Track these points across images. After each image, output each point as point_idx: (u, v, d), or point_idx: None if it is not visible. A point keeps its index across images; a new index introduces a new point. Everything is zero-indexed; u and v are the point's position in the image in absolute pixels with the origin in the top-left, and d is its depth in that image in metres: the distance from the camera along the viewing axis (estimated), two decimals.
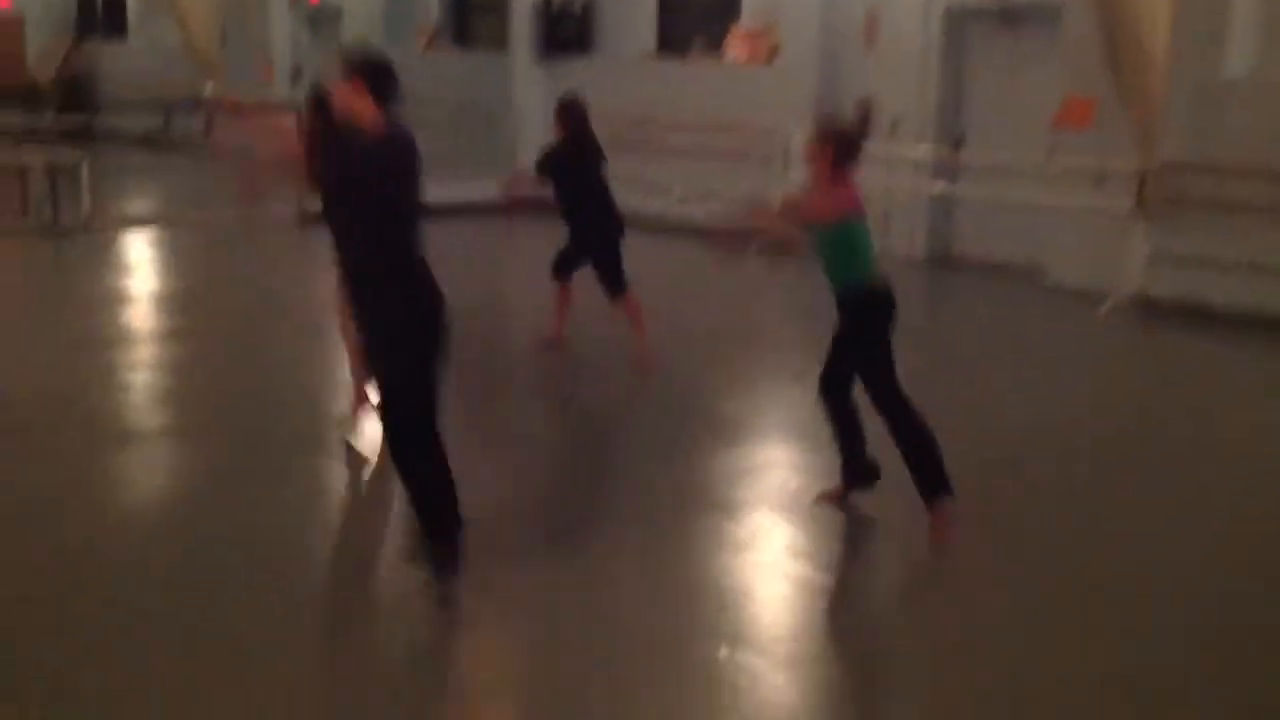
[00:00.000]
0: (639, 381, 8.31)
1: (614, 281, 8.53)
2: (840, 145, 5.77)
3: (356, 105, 4.75)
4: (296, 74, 20.68)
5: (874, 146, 12.42)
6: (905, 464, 5.70)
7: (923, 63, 12.51)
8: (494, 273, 9.76)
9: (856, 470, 5.97)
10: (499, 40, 18.04)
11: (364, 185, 4.78)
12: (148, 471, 6.49)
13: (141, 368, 8.24)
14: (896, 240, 12.78)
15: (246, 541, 5.45)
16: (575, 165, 8.44)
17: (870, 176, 12.55)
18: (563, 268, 8.85)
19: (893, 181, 12.64)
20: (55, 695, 4.19)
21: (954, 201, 12.70)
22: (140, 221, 14.23)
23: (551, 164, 8.48)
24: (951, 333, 10.46)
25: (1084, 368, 9.14)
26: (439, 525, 5.01)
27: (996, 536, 5.79)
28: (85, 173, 13.37)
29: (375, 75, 4.78)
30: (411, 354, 4.84)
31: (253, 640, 4.59)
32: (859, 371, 5.80)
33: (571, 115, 8.44)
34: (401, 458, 4.96)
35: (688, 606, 5.01)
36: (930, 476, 5.65)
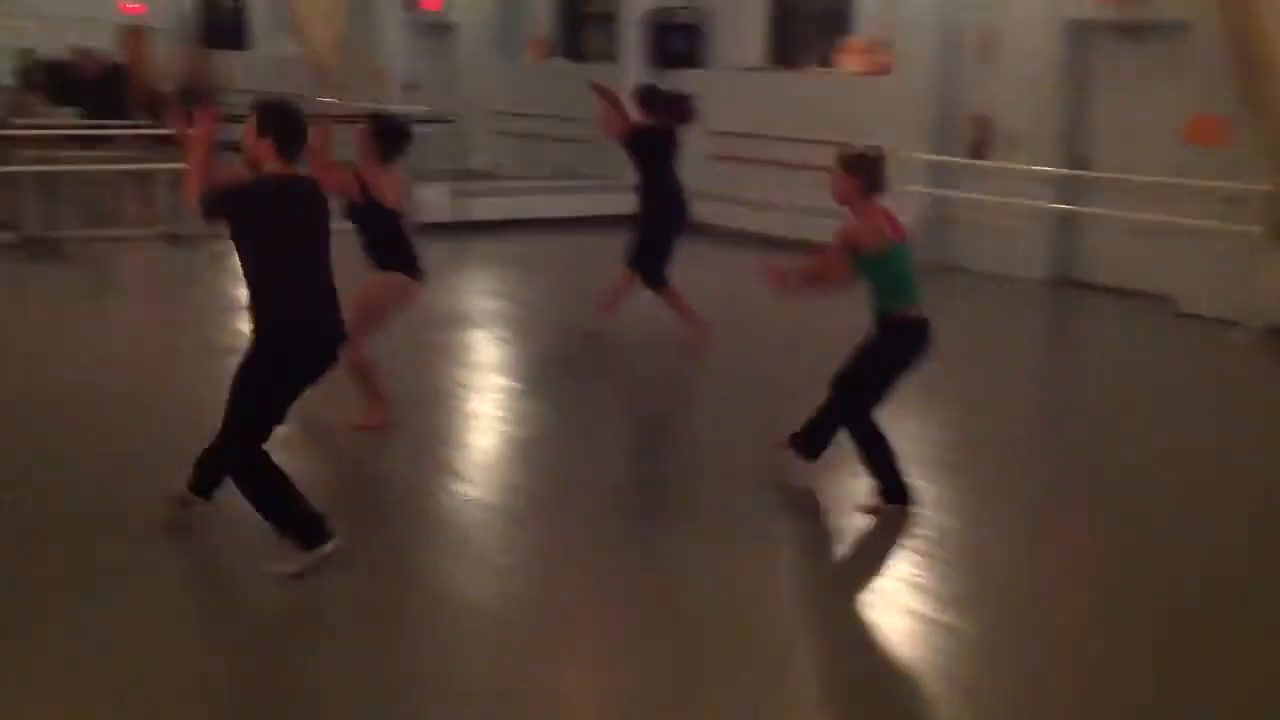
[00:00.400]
0: (737, 397, 8.24)
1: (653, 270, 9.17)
2: (869, 174, 5.87)
3: (255, 152, 5.13)
4: (410, 86, 20.95)
5: (993, 164, 12.39)
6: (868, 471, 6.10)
7: (1043, 78, 12.19)
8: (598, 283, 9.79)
9: (810, 439, 6.31)
10: (610, 52, 18.10)
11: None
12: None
13: None
14: (1016, 261, 12.48)
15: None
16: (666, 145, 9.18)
17: (989, 195, 12.46)
18: (655, 275, 9.24)
19: (1012, 201, 12.39)
20: None
21: (1076, 222, 12.38)
22: None
23: (645, 136, 9.13)
24: (1078, 362, 10.20)
25: (1221, 402, 8.72)
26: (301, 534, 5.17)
27: (1155, 571, 5.63)
28: None
29: (279, 124, 5.15)
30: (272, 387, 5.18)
31: None
32: (858, 380, 6.06)
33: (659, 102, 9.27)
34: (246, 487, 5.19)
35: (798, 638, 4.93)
36: (887, 485, 6.06)
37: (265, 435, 5.23)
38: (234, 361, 5.27)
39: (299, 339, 5.20)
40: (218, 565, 5.63)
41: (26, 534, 5.67)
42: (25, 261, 12.09)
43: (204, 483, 5.59)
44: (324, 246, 5.28)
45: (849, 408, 6.09)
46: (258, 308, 5.14)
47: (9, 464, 6.53)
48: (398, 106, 19.32)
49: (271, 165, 5.15)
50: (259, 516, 5.21)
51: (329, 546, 5.19)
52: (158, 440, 6.79)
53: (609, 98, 9.32)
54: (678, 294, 9.39)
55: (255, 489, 5.21)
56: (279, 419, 5.27)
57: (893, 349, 6.01)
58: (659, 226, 9.33)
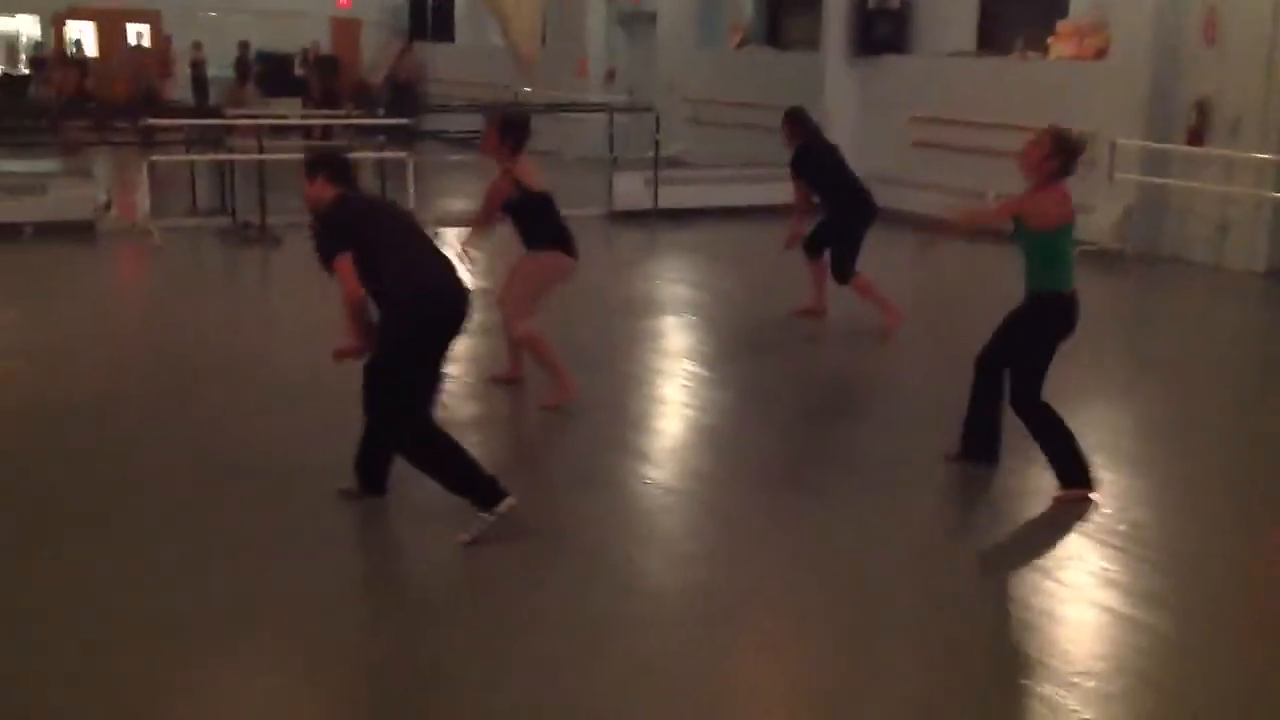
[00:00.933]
0: (932, 383, 8.04)
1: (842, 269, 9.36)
2: (1068, 157, 5.92)
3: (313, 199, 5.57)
4: (610, 75, 21.13)
5: (1212, 151, 11.80)
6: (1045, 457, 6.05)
7: (1267, 61, 11.56)
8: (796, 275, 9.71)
9: (975, 440, 6.36)
10: (811, 39, 17.89)
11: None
12: None
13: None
14: (1234, 251, 11.90)
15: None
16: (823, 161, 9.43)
17: (1208, 182, 11.88)
18: (845, 270, 9.38)
19: (1231, 188, 11.78)
20: None
21: None
22: (456, 220, 14.79)
23: (802, 165, 9.37)
24: None
25: None
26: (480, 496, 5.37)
27: None
28: (411, 171, 14.00)
29: (335, 167, 5.66)
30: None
31: None
32: (1012, 364, 6.05)
33: (800, 123, 9.44)
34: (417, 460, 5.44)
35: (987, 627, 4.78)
36: (1065, 469, 6.00)
37: (428, 406, 5.48)
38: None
39: (434, 304, 5.41)
40: (398, 535, 5.74)
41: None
42: (238, 246, 12.60)
43: (373, 478, 5.76)
44: (418, 226, 5.72)
45: (1021, 396, 6.02)
46: (386, 293, 5.35)
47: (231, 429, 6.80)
48: (598, 96, 19.58)
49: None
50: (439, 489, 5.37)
51: (504, 505, 5.34)
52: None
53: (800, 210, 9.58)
54: (869, 282, 9.39)
55: (431, 460, 5.39)
56: (436, 386, 5.56)
57: (1042, 325, 6.00)
58: (849, 227, 9.43)
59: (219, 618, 4.74)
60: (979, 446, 6.40)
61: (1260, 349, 10.05)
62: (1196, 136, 12.12)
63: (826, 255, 9.50)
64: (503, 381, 7.74)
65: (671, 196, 14.72)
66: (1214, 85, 11.97)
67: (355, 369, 5.61)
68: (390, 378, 5.42)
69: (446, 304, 5.47)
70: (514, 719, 4.12)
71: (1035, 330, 6.01)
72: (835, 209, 9.52)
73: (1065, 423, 6.04)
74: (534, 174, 7.21)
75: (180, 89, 23.63)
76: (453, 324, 5.49)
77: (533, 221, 7.25)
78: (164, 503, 5.84)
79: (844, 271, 9.41)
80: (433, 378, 5.53)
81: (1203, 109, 12.07)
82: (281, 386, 7.73)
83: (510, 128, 7.18)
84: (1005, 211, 6.10)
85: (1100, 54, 13.21)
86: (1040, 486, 6.15)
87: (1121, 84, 12.61)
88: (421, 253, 5.53)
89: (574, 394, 7.32)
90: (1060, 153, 5.88)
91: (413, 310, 5.37)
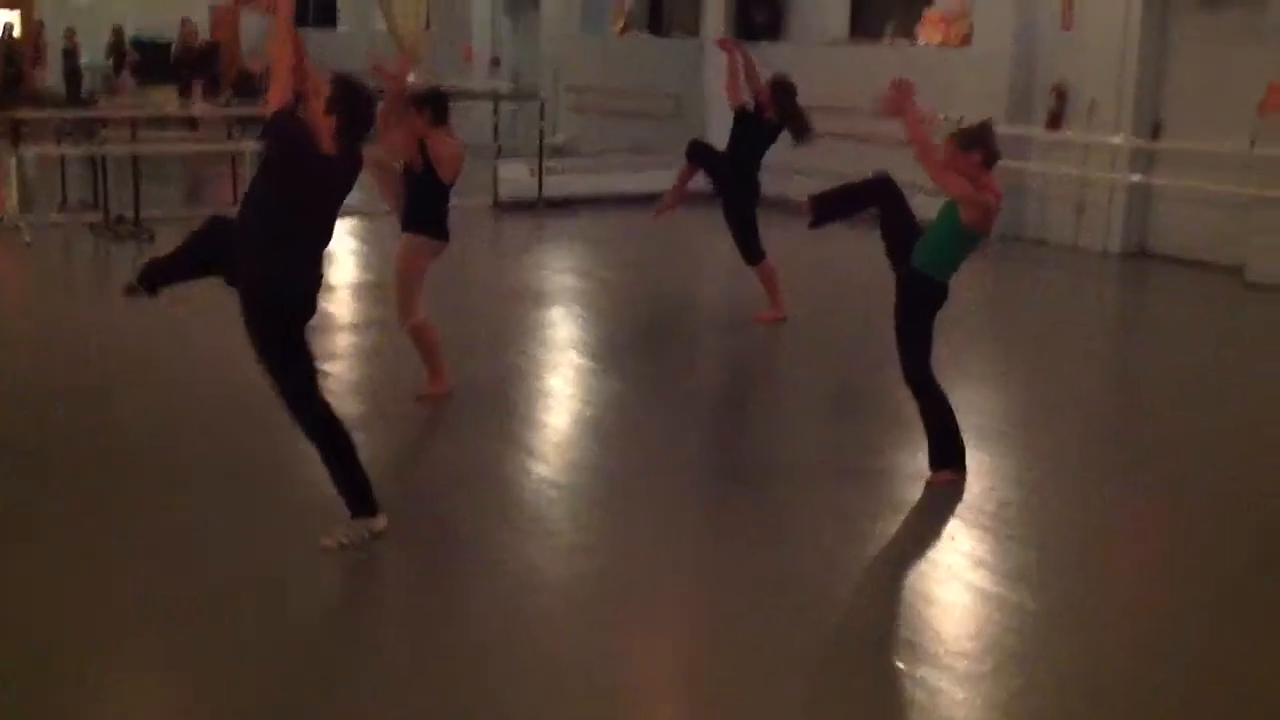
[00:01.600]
0: (813, 370, 8.27)
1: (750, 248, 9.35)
2: (988, 152, 6.00)
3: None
4: (495, 62, 21.08)
5: (1069, 135, 12.20)
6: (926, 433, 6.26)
7: (1121, 46, 12.01)
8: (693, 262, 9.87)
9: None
10: (692, 25, 18.05)
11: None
12: None
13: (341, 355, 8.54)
14: (1090, 232, 12.35)
15: None
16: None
17: (1065, 165, 12.29)
18: (753, 250, 9.40)
19: (1087, 170, 12.22)
20: None
21: (1151, 192, 12.19)
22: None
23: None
24: (1147, 334, 10.09)
25: None
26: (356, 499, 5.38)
27: (1218, 544, 5.59)
28: None
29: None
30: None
31: None
32: (899, 343, 6.21)
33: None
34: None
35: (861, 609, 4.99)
36: (940, 450, 6.23)
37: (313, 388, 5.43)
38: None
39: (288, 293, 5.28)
40: (289, 536, 5.76)
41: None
42: (111, 242, 12.26)
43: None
44: (332, 216, 5.40)
45: (905, 369, 6.21)
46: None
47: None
48: (482, 83, 19.53)
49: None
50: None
51: (378, 525, 5.36)
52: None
53: (740, 61, 9.65)
54: (774, 269, 9.45)
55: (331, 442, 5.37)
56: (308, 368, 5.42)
57: (918, 307, 6.19)
58: (748, 203, 9.48)
59: (109, 618, 4.75)
60: (945, 456, 6.32)
61: (1118, 328, 10.48)
62: (1055, 121, 12.55)
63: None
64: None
65: (557, 185, 14.79)
66: (1071, 71, 12.39)
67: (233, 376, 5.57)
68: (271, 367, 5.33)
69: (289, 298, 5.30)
70: None
71: (912, 312, 6.20)
72: (734, 181, 9.51)
73: (948, 404, 6.24)
74: (452, 158, 7.10)
75: (52, 78, 23.01)
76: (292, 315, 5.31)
77: (418, 199, 7.18)
78: (42, 506, 5.80)
79: (752, 251, 9.42)
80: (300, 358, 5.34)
81: (1060, 94, 12.49)
82: (160, 386, 7.66)
83: (431, 101, 7.07)
84: (948, 177, 5.97)
85: (965, 40, 13.57)
86: (916, 469, 6.37)
87: (984, 70, 12.99)
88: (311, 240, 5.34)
89: (448, 389, 7.38)
90: (974, 145, 5.98)
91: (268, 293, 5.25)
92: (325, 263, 5.55)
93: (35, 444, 6.64)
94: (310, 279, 5.37)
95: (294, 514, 5.73)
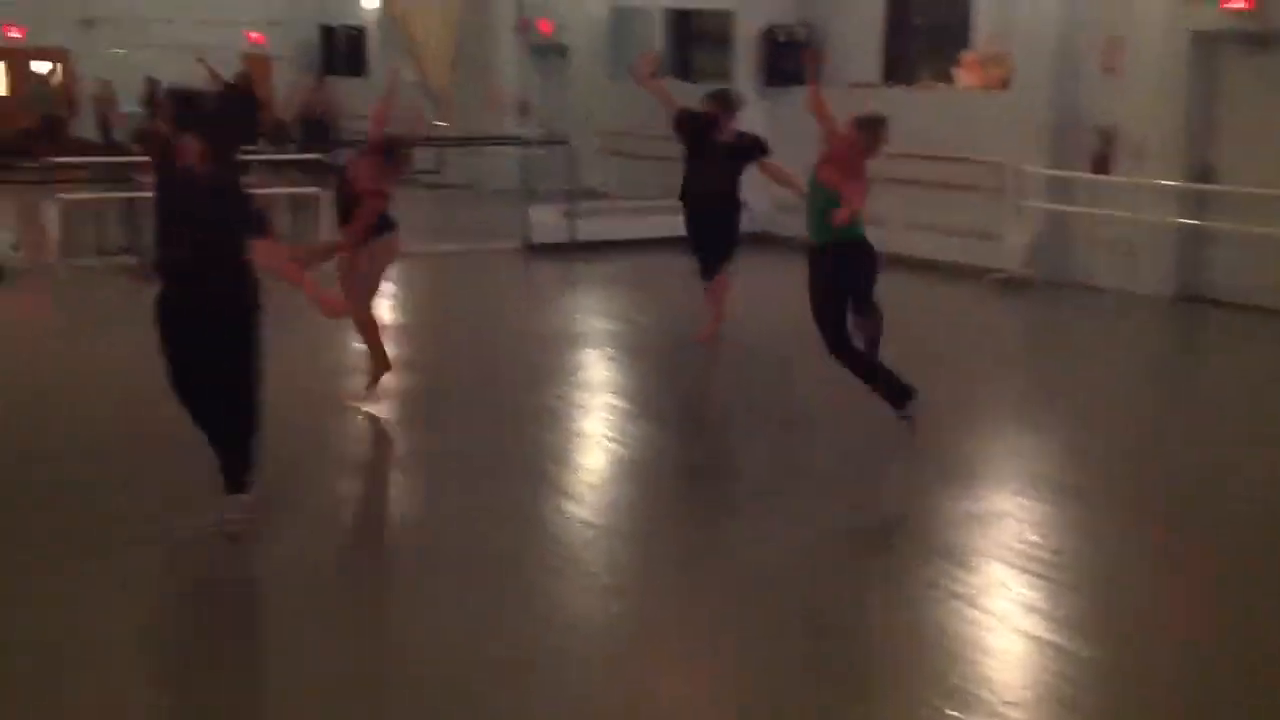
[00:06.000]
0: (854, 414, 8.11)
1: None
2: (874, 134, 7.22)
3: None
4: (524, 108, 21.13)
5: (1115, 179, 12.05)
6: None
7: (1169, 88, 11.82)
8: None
9: (890, 392, 7.13)
10: (721, 71, 18.02)
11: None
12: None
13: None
14: (1140, 276, 12.11)
15: None
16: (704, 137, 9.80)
17: (1112, 209, 12.13)
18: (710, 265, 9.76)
19: (1136, 214, 12.03)
20: None
21: (1203, 236, 11.95)
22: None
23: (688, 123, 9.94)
24: (1199, 380, 9.87)
25: None
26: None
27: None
28: (321, 205, 13.86)
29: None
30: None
31: None
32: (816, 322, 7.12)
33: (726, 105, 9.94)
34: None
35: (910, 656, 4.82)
36: (893, 393, 7.06)
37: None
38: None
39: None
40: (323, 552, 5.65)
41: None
42: (144, 285, 12.28)
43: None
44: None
45: (829, 342, 7.04)
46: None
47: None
48: (511, 129, 19.56)
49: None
50: None
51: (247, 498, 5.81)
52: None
53: (652, 88, 10.56)
54: (723, 290, 9.71)
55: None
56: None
57: (813, 278, 7.10)
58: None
59: None
60: (896, 392, 7.08)
61: (1172, 374, 10.26)
62: (1101, 163, 12.38)
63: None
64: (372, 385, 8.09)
65: (588, 229, 14.72)
66: (1116, 113, 12.23)
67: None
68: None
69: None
70: None
71: (813, 285, 7.11)
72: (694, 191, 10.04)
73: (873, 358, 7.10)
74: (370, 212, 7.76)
75: (87, 128, 23.30)
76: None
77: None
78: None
79: (711, 268, 9.71)
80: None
81: (1106, 136, 12.33)
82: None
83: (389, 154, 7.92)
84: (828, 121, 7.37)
85: (1004, 84, 13.46)
86: (963, 512, 6.20)
87: (1024, 113, 12.84)
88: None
89: (389, 367, 8.03)
90: (864, 129, 7.15)
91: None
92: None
93: None
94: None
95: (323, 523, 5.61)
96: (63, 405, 8.13)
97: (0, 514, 6.21)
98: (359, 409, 7.96)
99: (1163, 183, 11.78)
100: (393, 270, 7.79)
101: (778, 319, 9.46)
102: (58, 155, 15.96)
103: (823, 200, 7.06)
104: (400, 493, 6.94)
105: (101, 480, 6.60)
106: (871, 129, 7.21)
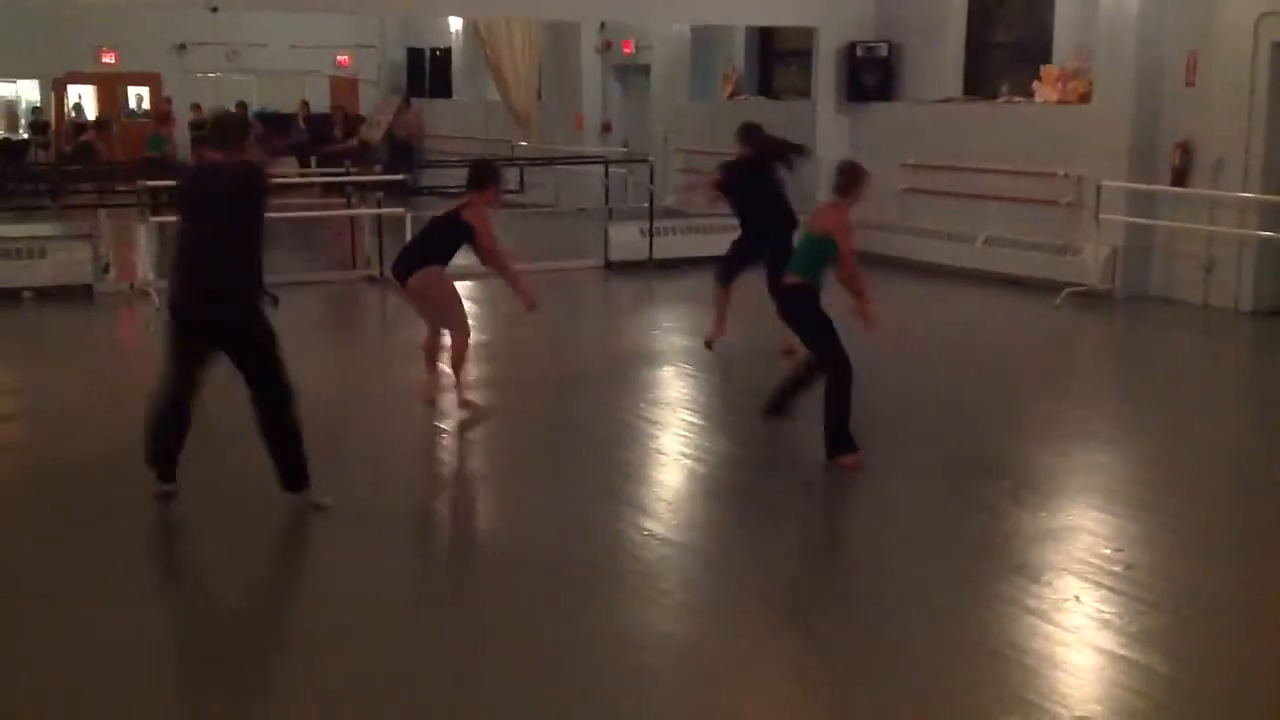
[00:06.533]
0: (933, 431, 8.12)
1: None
2: (851, 181, 7.43)
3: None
4: (606, 127, 21.34)
5: (1195, 191, 11.92)
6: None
7: (1249, 101, 11.71)
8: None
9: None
10: (802, 88, 18.06)
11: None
12: None
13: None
14: (1219, 290, 11.98)
15: None
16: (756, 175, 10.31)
17: (1192, 221, 12.00)
18: (728, 273, 10.27)
19: (1216, 228, 11.90)
20: None
21: None
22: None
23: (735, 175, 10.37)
24: None
25: None
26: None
27: None
28: (409, 226, 14.11)
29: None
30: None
31: None
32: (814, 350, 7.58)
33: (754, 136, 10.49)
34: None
35: (981, 672, 4.84)
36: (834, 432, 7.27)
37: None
38: None
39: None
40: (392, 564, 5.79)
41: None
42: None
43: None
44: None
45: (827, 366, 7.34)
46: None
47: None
48: (594, 148, 19.76)
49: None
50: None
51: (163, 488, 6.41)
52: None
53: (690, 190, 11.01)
54: (727, 297, 10.26)
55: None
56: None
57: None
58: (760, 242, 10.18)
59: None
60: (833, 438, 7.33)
61: (1252, 388, 10.14)
62: (1180, 177, 12.26)
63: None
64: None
65: (667, 246, 14.84)
66: (1196, 126, 12.11)
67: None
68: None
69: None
70: None
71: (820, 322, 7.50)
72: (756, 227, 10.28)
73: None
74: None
75: (181, 151, 23.84)
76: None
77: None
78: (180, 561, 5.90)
79: (726, 272, 10.26)
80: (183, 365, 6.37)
81: (1185, 150, 12.21)
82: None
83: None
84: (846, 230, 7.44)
85: (1084, 98, 13.38)
86: (1037, 529, 6.19)
87: (1105, 127, 12.76)
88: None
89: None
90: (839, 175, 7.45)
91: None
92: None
93: None
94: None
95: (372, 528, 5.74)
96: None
97: (81, 528, 6.42)
98: (442, 424, 8.14)
99: (1243, 195, 11.65)
100: (464, 290, 8.10)
101: (861, 339, 9.50)
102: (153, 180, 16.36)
103: (821, 246, 7.39)
104: (480, 507, 7.10)
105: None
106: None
